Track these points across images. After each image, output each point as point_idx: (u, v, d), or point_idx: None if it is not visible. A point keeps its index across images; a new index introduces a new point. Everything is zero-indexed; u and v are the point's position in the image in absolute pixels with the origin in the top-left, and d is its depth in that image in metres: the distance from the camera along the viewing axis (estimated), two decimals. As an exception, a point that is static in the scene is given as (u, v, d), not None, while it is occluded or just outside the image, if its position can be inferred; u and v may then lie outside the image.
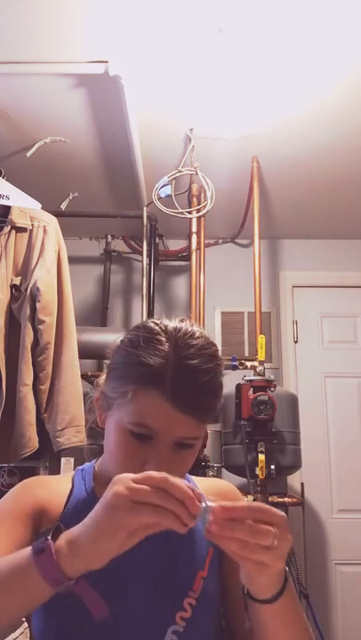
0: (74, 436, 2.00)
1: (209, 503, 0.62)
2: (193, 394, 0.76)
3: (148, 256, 2.92)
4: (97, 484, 0.89)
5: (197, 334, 0.81)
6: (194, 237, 2.88)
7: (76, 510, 0.85)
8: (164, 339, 0.78)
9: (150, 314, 2.91)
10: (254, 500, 2.21)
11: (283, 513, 0.65)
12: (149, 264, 2.94)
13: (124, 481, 0.61)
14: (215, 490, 0.94)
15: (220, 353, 0.83)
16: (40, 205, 2.17)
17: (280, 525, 0.63)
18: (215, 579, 0.85)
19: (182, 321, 0.84)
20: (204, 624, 0.80)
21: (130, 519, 0.59)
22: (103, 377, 0.87)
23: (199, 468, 2.37)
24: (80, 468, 0.94)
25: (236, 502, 0.63)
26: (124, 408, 0.78)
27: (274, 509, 0.64)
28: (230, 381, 2.17)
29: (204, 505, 0.62)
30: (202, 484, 0.94)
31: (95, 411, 0.88)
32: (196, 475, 1.01)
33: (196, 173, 2.53)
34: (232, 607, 0.86)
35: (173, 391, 0.75)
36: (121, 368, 0.81)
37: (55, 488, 0.88)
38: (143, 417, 0.76)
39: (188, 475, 0.95)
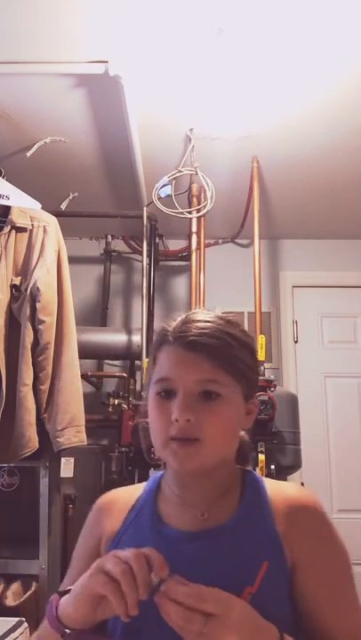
0: (74, 436, 2.00)
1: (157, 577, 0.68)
2: (196, 335, 0.82)
3: (148, 256, 2.92)
4: (159, 491, 0.91)
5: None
6: (194, 237, 2.88)
7: (133, 522, 0.88)
8: (178, 317, 0.88)
9: (150, 314, 2.90)
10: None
11: (223, 604, 0.67)
12: (149, 264, 2.94)
13: (106, 558, 0.70)
14: (282, 497, 0.85)
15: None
16: (40, 205, 2.17)
17: (215, 616, 0.66)
18: (272, 596, 0.77)
19: None
20: None
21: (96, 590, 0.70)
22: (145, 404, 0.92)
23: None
24: (154, 475, 0.96)
25: (181, 586, 0.68)
26: (152, 377, 0.85)
27: (213, 600, 0.67)
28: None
29: (155, 580, 0.68)
30: (271, 488, 0.88)
31: (144, 430, 0.91)
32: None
33: (196, 173, 2.52)
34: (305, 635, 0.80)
35: (179, 337, 0.82)
36: (150, 355, 0.90)
37: (122, 503, 0.91)
38: (162, 370, 0.83)
39: (259, 477, 0.90)
